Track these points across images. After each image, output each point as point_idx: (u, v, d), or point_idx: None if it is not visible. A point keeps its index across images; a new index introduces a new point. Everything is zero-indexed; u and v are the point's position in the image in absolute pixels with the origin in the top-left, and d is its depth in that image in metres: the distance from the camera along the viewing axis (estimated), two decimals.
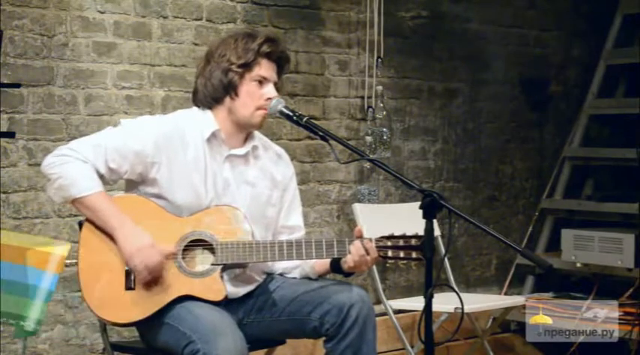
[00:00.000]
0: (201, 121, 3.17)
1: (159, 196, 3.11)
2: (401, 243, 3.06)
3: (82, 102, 4.15)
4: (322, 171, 4.93)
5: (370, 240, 3.07)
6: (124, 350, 3.35)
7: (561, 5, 5.90)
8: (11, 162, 3.98)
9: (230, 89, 3.16)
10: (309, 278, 3.26)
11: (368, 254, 3.05)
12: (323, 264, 3.22)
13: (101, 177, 3.07)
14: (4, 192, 3.96)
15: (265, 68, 3.18)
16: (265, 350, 3.44)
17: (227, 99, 3.17)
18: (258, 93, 3.17)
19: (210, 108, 3.20)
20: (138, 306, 3.03)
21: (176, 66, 4.40)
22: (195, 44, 4.43)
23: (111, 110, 4.22)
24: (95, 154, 3.06)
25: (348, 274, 3.19)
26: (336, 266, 3.17)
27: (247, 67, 3.15)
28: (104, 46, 4.20)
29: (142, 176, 3.11)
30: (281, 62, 3.23)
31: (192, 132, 3.15)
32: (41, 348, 4.06)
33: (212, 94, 3.18)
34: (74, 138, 3.48)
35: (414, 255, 3.05)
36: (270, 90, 3.18)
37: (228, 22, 4.56)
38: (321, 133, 3.12)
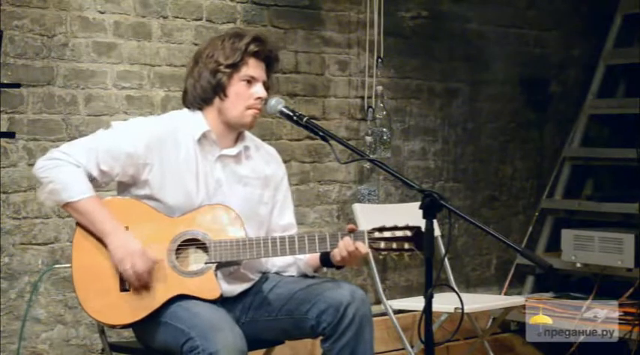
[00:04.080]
0: (192, 122, 3.17)
1: (150, 197, 3.11)
2: (393, 234, 3.05)
3: (82, 103, 4.15)
4: (322, 171, 4.92)
5: (362, 232, 3.07)
6: (123, 350, 3.34)
7: (561, 5, 5.90)
8: (11, 162, 3.98)
9: (219, 90, 3.15)
10: (307, 276, 3.26)
11: (357, 249, 3.04)
12: (315, 258, 3.21)
13: (93, 180, 3.07)
14: (4, 192, 3.96)
15: (253, 67, 3.17)
16: (264, 350, 3.44)
17: (216, 100, 3.17)
18: (247, 93, 3.16)
19: (200, 109, 3.19)
20: (134, 307, 3.02)
21: (176, 66, 4.39)
22: (195, 44, 4.41)
23: (111, 110, 4.22)
24: (87, 157, 3.05)
25: (338, 267, 3.18)
26: (325, 260, 3.17)
27: (235, 67, 3.14)
28: (104, 46, 4.20)
29: (133, 178, 3.11)
30: (269, 61, 3.22)
31: (183, 133, 3.14)
32: (41, 348, 4.06)
33: (201, 95, 3.17)
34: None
35: (406, 246, 3.05)
36: (259, 89, 3.17)
37: (228, 22, 4.56)
38: (321, 133, 3.12)
